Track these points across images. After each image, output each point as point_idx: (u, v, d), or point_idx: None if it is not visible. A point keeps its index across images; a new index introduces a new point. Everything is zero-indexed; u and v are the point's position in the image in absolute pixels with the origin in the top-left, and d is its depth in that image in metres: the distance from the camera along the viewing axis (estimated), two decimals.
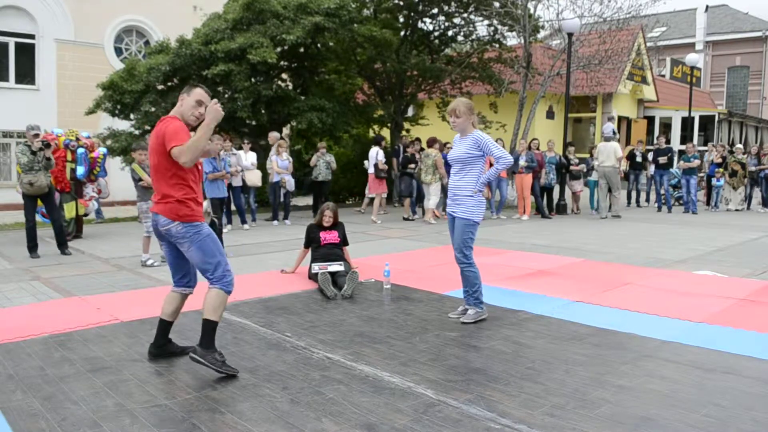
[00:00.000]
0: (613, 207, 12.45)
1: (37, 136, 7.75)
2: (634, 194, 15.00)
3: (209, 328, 3.54)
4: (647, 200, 15.30)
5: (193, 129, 3.63)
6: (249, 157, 11.06)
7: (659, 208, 13.77)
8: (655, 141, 14.92)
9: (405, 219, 11.80)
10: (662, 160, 13.51)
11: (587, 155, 14.00)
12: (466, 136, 4.74)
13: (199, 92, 3.61)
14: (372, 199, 12.20)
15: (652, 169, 14.18)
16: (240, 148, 11.27)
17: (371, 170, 11.93)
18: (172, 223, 3.51)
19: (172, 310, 3.78)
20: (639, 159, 14.53)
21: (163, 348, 3.84)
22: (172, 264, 3.77)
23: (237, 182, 10.46)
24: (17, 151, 7.82)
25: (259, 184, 11.32)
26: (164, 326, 3.81)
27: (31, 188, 7.57)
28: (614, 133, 12.88)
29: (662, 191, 13.81)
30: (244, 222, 10.62)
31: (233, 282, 3.63)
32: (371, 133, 17.87)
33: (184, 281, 3.79)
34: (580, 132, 21.50)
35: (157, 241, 7.59)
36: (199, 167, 3.72)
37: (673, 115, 22.51)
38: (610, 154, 12.18)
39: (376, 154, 11.79)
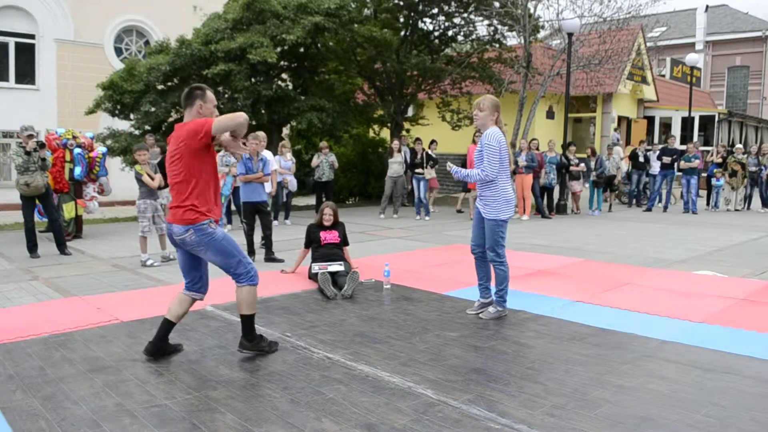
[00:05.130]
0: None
1: (31, 137, 7.71)
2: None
3: (249, 322, 3.82)
4: (647, 197, 15.28)
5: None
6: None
7: (665, 209, 13.75)
8: (668, 140, 14.90)
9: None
10: (666, 159, 13.50)
11: (585, 155, 13.98)
12: (484, 133, 4.79)
13: (212, 97, 3.75)
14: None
15: (656, 167, 14.13)
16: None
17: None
18: (186, 232, 3.58)
19: (180, 312, 3.84)
20: (641, 159, 14.54)
21: (162, 348, 3.85)
22: (184, 269, 3.84)
23: (236, 182, 10.46)
24: (11, 153, 7.78)
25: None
26: (167, 326, 3.83)
27: (27, 189, 7.56)
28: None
29: (662, 192, 13.81)
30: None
31: (257, 274, 3.82)
32: (371, 133, 17.88)
33: (196, 287, 3.87)
34: (580, 132, 21.48)
35: (157, 241, 7.60)
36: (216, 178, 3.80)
37: (673, 115, 22.50)
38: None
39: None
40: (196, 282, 3.85)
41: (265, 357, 3.87)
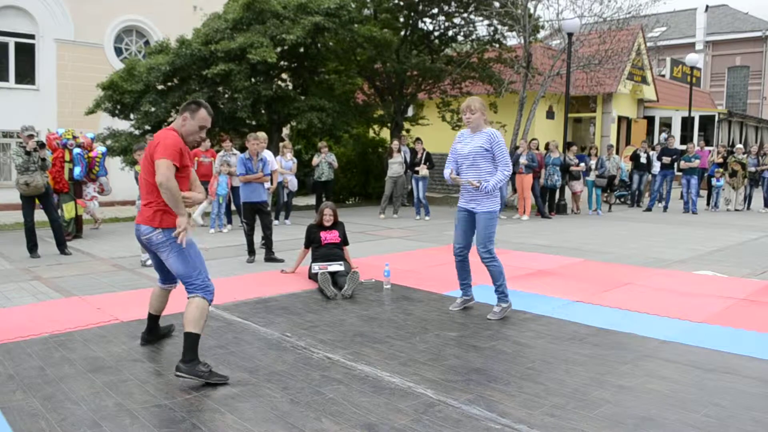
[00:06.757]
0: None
1: (31, 137, 7.72)
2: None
3: (191, 341, 3.41)
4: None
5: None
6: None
7: (665, 209, 13.75)
8: (666, 139, 14.89)
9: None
10: (666, 159, 13.49)
11: (587, 154, 13.97)
12: (478, 132, 4.83)
13: (203, 116, 3.59)
14: None
15: (657, 167, 14.10)
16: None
17: None
18: (153, 231, 3.55)
19: (162, 306, 4.09)
20: (643, 160, 14.53)
21: (154, 335, 4.18)
22: (158, 267, 3.94)
23: (236, 182, 10.45)
24: (12, 153, 7.79)
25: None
26: (154, 319, 4.13)
27: (27, 189, 7.56)
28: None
29: (663, 191, 13.79)
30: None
31: (214, 292, 3.59)
32: (371, 133, 17.88)
33: (169, 281, 4.01)
34: (580, 132, 21.48)
35: None
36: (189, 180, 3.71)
37: (673, 115, 22.50)
38: None
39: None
40: (170, 277, 3.96)
41: (265, 356, 3.87)
